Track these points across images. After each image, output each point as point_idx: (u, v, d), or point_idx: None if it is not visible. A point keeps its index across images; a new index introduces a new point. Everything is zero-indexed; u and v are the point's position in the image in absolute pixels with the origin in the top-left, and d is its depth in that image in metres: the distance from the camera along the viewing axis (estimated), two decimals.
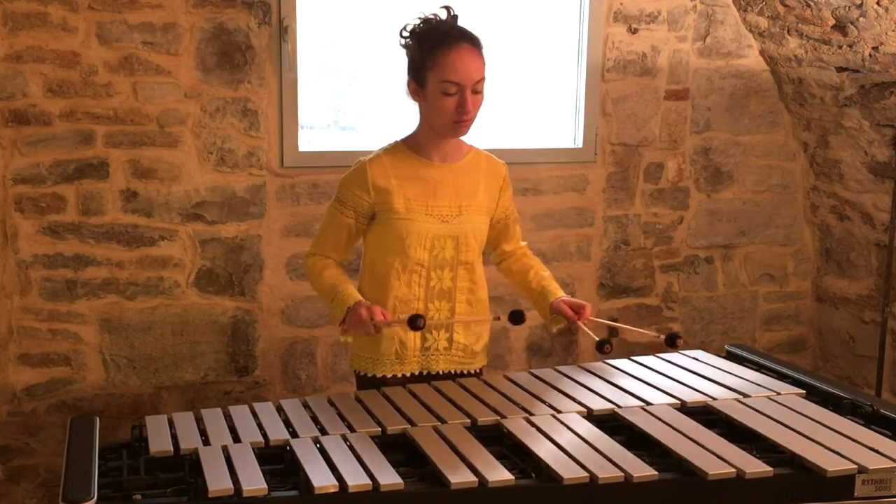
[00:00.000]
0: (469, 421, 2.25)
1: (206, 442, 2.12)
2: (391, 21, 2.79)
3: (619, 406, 2.35)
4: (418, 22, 2.50)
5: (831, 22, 3.44)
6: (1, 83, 3.18)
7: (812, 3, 3.44)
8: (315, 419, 2.25)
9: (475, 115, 2.48)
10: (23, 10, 3.16)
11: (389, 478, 1.92)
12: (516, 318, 2.61)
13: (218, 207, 3.43)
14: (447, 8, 2.50)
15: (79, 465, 1.99)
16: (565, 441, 2.12)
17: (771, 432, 2.18)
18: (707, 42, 3.88)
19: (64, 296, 3.34)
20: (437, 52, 2.42)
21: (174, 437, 2.14)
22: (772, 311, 4.18)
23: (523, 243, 2.78)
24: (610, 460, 2.02)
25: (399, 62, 2.55)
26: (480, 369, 2.69)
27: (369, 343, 2.55)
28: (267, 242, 3.50)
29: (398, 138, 2.59)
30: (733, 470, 1.99)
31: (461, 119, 2.45)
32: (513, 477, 1.96)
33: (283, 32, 3.39)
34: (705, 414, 2.34)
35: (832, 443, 2.13)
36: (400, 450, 2.12)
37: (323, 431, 2.17)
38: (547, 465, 1.99)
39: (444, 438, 2.13)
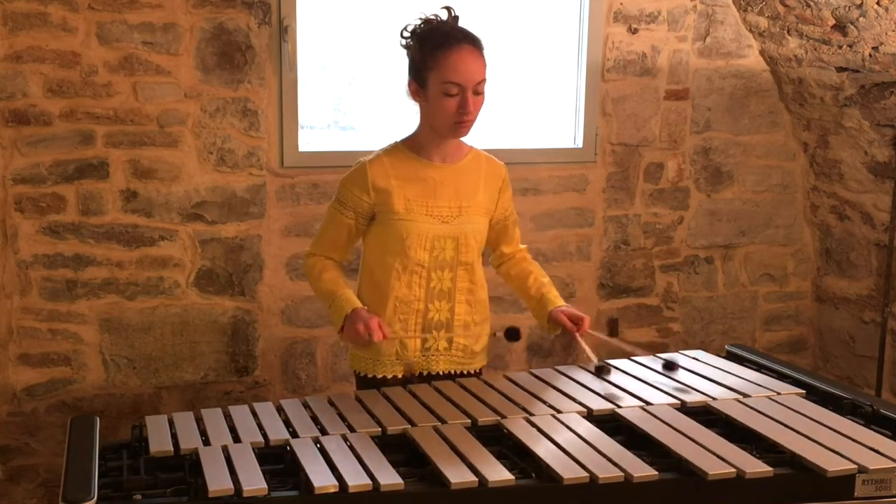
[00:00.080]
0: (469, 421, 2.25)
1: (206, 442, 2.12)
2: (391, 21, 2.79)
3: (619, 406, 2.35)
4: (419, 22, 2.49)
5: (831, 22, 3.44)
6: (1, 83, 3.18)
7: (812, 3, 3.44)
8: (315, 419, 2.25)
9: (476, 116, 2.48)
10: (23, 10, 3.16)
11: (389, 478, 1.92)
12: (512, 335, 2.62)
13: (218, 207, 3.43)
14: (448, 9, 2.50)
15: (79, 465, 1.99)
16: (565, 441, 2.11)
17: (771, 432, 2.18)
18: (707, 42, 3.88)
19: (64, 296, 3.34)
20: (438, 53, 2.42)
21: (174, 437, 2.14)
22: (772, 311, 4.18)
23: (523, 246, 2.78)
24: (610, 460, 2.02)
25: (399, 62, 2.55)
26: (480, 369, 2.69)
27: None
28: (267, 242, 3.50)
29: (398, 139, 2.59)
30: (733, 470, 1.99)
31: (462, 120, 2.45)
32: (513, 477, 1.96)
33: (283, 32, 3.39)
34: (705, 414, 2.34)
35: (832, 443, 2.13)
36: (400, 450, 2.12)
37: (323, 431, 2.17)
38: (547, 465, 1.99)
39: (445, 438, 2.13)
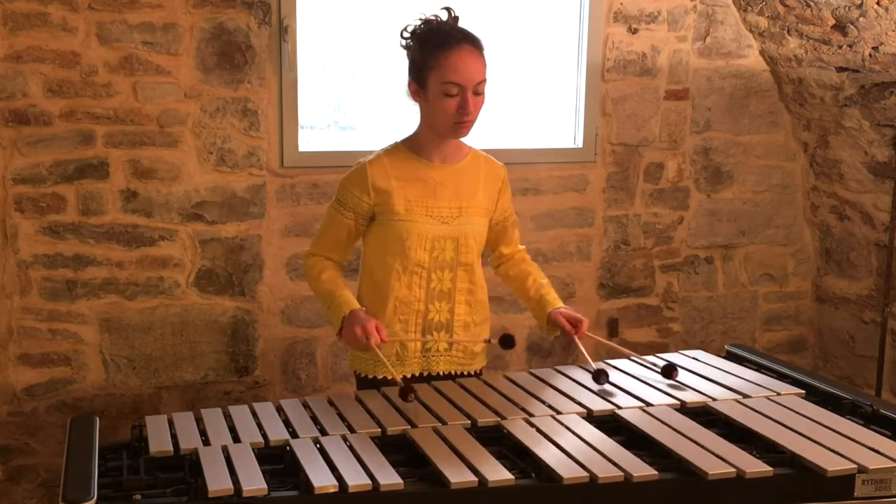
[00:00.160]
0: (469, 422, 2.24)
1: (206, 442, 2.12)
2: (391, 21, 2.79)
3: (619, 406, 2.35)
4: (419, 23, 2.49)
5: (831, 22, 3.44)
6: (1, 83, 3.18)
7: (812, 3, 3.44)
8: (315, 419, 2.25)
9: (476, 117, 2.47)
10: (23, 10, 3.16)
11: (389, 478, 1.92)
12: (507, 342, 2.61)
13: (218, 207, 3.43)
14: (448, 9, 2.50)
15: (79, 465, 1.99)
16: (565, 441, 2.11)
17: (771, 432, 2.18)
18: (707, 42, 3.88)
19: (64, 296, 3.34)
20: (438, 53, 2.42)
21: (174, 437, 2.14)
22: (772, 311, 4.18)
23: (521, 247, 2.78)
24: (610, 460, 2.02)
25: (399, 62, 2.55)
26: (480, 370, 2.69)
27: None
28: (267, 242, 3.51)
29: (398, 139, 2.59)
30: (733, 470, 1.99)
31: (462, 120, 2.45)
32: (513, 477, 1.96)
33: (283, 32, 3.39)
34: (705, 414, 2.34)
35: (832, 443, 2.13)
36: (400, 450, 2.12)
37: (323, 432, 2.17)
38: (547, 465, 1.99)
39: (444, 439, 2.13)
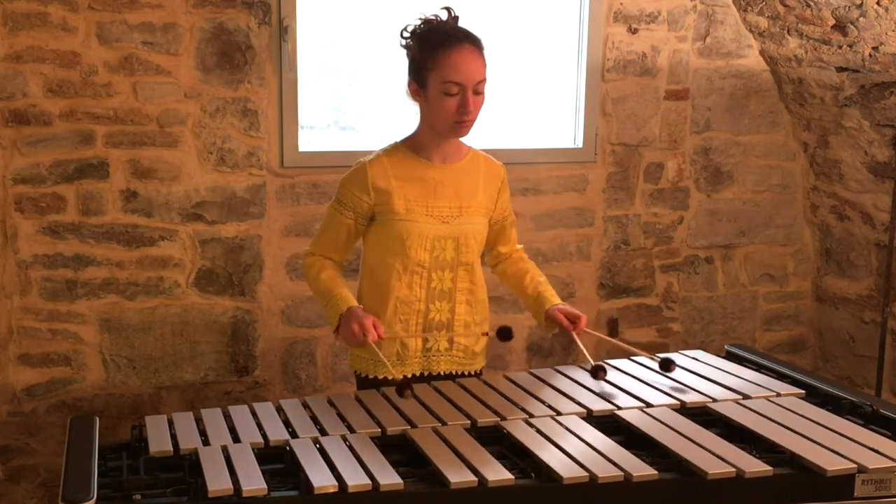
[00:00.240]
0: (469, 422, 2.24)
1: (206, 442, 2.12)
2: (391, 21, 2.79)
3: (618, 407, 2.35)
4: (419, 23, 2.49)
5: (831, 22, 3.44)
6: (1, 83, 3.18)
7: (812, 3, 3.44)
8: (315, 419, 2.25)
9: (476, 116, 2.48)
10: (23, 10, 3.16)
11: (389, 478, 1.92)
12: (504, 334, 2.61)
13: (218, 207, 3.43)
14: (448, 9, 2.50)
15: (79, 465, 1.99)
16: (565, 441, 2.11)
17: (771, 432, 2.18)
18: (707, 42, 3.88)
19: (64, 296, 3.34)
20: (438, 53, 2.42)
21: (174, 437, 2.14)
22: (772, 311, 4.18)
23: (519, 246, 2.78)
24: (610, 460, 2.02)
25: (399, 62, 2.55)
26: (480, 370, 2.69)
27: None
28: (267, 242, 3.51)
29: (398, 139, 2.59)
30: (733, 469, 1.99)
31: (462, 119, 2.45)
32: (512, 477, 1.96)
33: (283, 32, 3.39)
34: (705, 414, 2.34)
35: (832, 443, 2.13)
36: (400, 450, 2.12)
37: (323, 432, 2.17)
38: (547, 465, 1.99)
39: (444, 440, 2.13)
